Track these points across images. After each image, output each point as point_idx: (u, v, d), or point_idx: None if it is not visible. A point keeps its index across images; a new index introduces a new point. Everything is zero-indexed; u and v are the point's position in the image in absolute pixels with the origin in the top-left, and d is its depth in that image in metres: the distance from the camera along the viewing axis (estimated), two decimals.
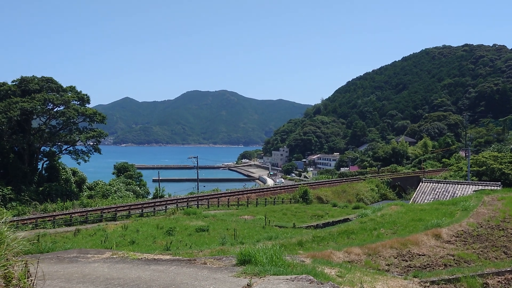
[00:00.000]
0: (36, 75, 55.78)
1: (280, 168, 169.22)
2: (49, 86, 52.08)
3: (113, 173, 62.96)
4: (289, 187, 56.37)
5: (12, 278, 3.85)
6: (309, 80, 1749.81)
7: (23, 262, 4.13)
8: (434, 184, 32.32)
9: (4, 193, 42.34)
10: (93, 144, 56.17)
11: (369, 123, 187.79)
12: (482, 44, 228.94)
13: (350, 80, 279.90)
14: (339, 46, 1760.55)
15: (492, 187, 29.12)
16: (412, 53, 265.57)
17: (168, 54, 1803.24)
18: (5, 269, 3.83)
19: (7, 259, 3.94)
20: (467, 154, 56.22)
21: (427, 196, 30.27)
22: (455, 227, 14.51)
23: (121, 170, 61.98)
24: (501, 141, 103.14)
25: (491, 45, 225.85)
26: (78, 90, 55.30)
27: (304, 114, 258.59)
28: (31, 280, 4.07)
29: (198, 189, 60.48)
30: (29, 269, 4.13)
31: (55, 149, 54.03)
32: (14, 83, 51.30)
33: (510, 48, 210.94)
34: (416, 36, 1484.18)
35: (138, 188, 57.34)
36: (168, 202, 41.04)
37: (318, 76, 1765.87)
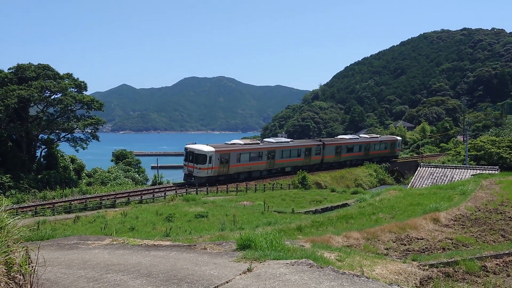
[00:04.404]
0: (33, 62, 55.42)
1: None
2: (46, 74, 51.72)
3: (112, 160, 62.94)
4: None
5: (13, 264, 3.86)
6: (307, 65, 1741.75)
7: (23, 249, 4.14)
8: (432, 168, 32.41)
9: (3, 181, 42.30)
10: (91, 131, 55.96)
11: (367, 108, 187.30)
12: (481, 28, 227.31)
13: (348, 65, 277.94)
14: (337, 31, 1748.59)
15: (490, 171, 29.25)
16: (410, 38, 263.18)
17: (165, 40, 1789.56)
18: (6, 256, 3.83)
19: (7, 246, 3.95)
20: (465, 139, 56.28)
21: (425, 181, 30.38)
22: (453, 211, 14.58)
23: (119, 157, 61.95)
24: (499, 125, 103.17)
25: (489, 29, 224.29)
26: (75, 77, 54.97)
27: (302, 100, 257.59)
28: (32, 267, 4.08)
29: None
30: (30, 255, 4.14)
31: (53, 137, 53.90)
32: (10, 71, 50.92)
33: (508, 32, 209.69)
34: (414, 21, 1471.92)
35: (137, 175, 57.37)
36: (167, 188, 41.17)
37: (316, 62, 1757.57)
